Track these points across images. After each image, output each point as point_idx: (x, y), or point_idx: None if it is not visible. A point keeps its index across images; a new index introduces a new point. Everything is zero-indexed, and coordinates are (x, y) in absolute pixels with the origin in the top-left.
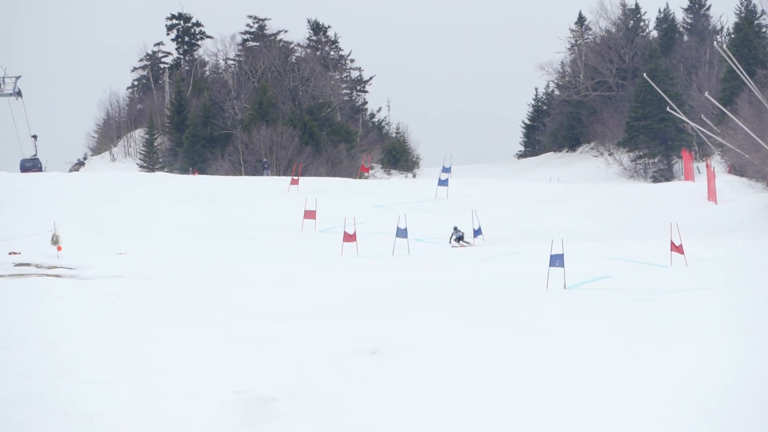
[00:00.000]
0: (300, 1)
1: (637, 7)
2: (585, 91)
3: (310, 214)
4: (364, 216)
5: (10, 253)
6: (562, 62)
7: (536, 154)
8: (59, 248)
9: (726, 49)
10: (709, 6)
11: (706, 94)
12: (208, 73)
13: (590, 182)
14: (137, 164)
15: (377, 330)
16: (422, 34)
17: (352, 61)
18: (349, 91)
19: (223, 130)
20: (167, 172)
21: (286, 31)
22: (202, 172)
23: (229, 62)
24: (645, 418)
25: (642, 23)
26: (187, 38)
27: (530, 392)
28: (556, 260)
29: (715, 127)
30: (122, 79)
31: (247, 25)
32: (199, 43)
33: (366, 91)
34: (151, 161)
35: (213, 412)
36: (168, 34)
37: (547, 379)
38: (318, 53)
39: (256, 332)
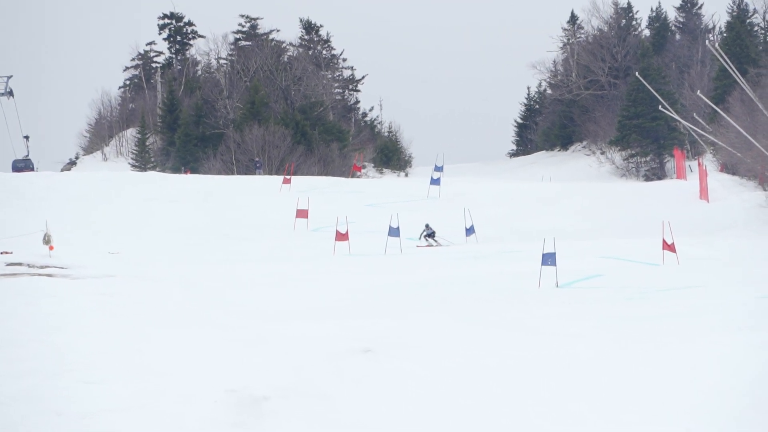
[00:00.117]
0: (292, 1)
1: (630, 6)
2: (577, 90)
3: (302, 214)
4: (356, 215)
5: (1, 253)
6: (554, 61)
7: (528, 153)
8: (51, 248)
9: (718, 47)
10: (702, 5)
11: (699, 92)
12: (200, 72)
13: (582, 181)
14: (129, 164)
15: (371, 329)
16: (415, 34)
17: (344, 60)
18: (341, 91)
19: (215, 130)
20: (159, 171)
21: (278, 31)
22: (194, 171)
23: (221, 61)
24: (639, 416)
25: (634, 22)
26: (179, 38)
27: (524, 391)
28: (548, 259)
29: (707, 126)
30: (114, 78)
31: (239, 24)
32: (191, 42)
33: (358, 90)
34: (143, 161)
35: (206, 412)
36: (160, 34)
37: (540, 377)
38: (310, 52)
39: (248, 332)
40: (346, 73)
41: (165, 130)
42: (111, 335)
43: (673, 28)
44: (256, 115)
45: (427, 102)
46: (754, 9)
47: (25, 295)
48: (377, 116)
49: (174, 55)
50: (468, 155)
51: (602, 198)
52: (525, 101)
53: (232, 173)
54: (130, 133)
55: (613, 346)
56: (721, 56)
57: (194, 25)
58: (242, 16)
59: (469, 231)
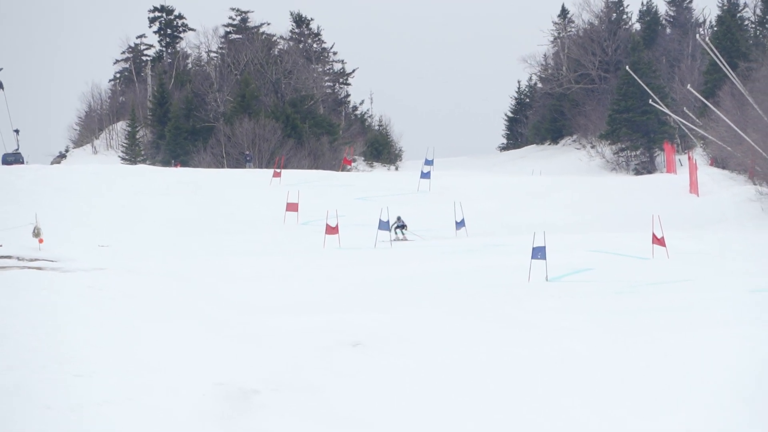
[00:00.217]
0: None
1: (620, 0)
2: (568, 84)
3: (292, 207)
4: (346, 208)
5: None
6: (545, 55)
7: (519, 147)
8: (41, 241)
9: (708, 41)
10: None
11: (689, 86)
12: (190, 65)
13: (572, 175)
14: (119, 157)
15: (361, 323)
16: (406, 25)
17: (334, 53)
18: (331, 84)
19: (205, 123)
20: (149, 164)
21: (268, 24)
22: (184, 164)
23: (212, 55)
24: (630, 411)
25: (625, 16)
26: (169, 31)
27: (516, 385)
28: (538, 253)
29: (698, 120)
30: (104, 71)
31: (230, 17)
32: (182, 35)
33: (348, 84)
34: (133, 154)
35: (195, 405)
36: (150, 27)
37: (531, 371)
38: (301, 46)
39: (238, 325)
40: (337, 66)
41: (155, 123)
42: (100, 328)
43: (663, 22)
44: (246, 108)
45: (418, 95)
46: (745, 3)
47: (14, 287)
48: (367, 110)
49: (164, 48)
50: (458, 149)
51: (592, 192)
52: (515, 95)
53: (222, 166)
54: (120, 126)
55: (604, 339)
56: (712, 50)
57: (184, 18)
58: (233, 9)
59: (460, 225)
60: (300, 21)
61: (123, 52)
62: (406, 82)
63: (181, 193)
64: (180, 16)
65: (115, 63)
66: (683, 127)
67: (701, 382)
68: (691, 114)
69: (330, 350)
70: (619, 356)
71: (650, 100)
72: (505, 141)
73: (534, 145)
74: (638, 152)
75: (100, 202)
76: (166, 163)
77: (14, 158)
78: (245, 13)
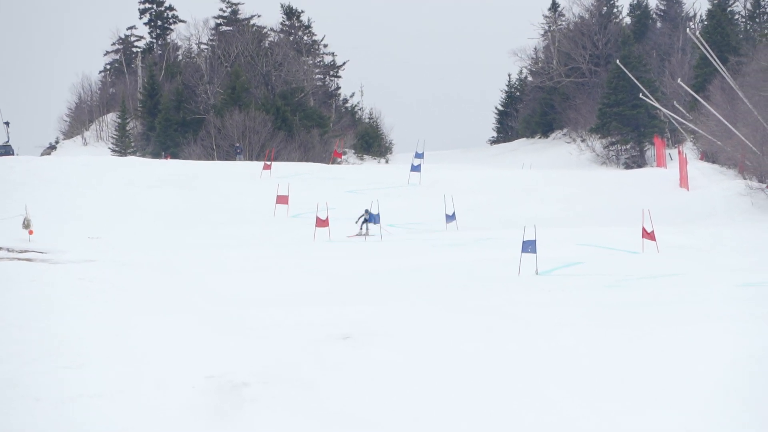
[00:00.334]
0: None
1: None
2: (558, 78)
3: (282, 200)
4: (336, 201)
5: None
6: (535, 48)
7: (509, 141)
8: (31, 232)
9: (699, 36)
10: None
11: (679, 80)
12: (180, 57)
13: (563, 168)
14: (109, 148)
15: (351, 316)
16: (397, 15)
17: (325, 46)
18: (322, 77)
19: (195, 115)
20: (139, 156)
21: (259, 16)
22: (174, 156)
23: (202, 47)
24: (620, 405)
25: (615, 10)
26: (159, 22)
27: (504, 378)
28: (528, 246)
29: (688, 114)
30: (94, 62)
31: (220, 9)
32: (172, 27)
33: (339, 77)
34: (123, 145)
35: (186, 398)
36: (141, 18)
37: (520, 364)
38: (291, 38)
39: (229, 318)
40: (327, 59)
41: (145, 115)
42: (91, 320)
43: (654, 16)
44: (236, 100)
45: (409, 85)
46: None
47: (4, 279)
48: (358, 102)
49: (155, 40)
50: (449, 142)
51: (583, 186)
52: (506, 88)
53: (213, 159)
54: (111, 118)
55: (594, 333)
56: (702, 44)
57: (175, 9)
58: (223, 1)
59: (450, 218)
60: (290, 13)
61: (113, 44)
62: (397, 72)
63: (172, 185)
64: (170, 8)
65: (105, 54)
66: (673, 122)
67: (692, 377)
68: (681, 108)
69: (320, 343)
70: (608, 350)
71: (640, 94)
72: (495, 134)
73: (524, 139)
74: (628, 146)
75: (91, 194)
76: (156, 155)
77: (4, 150)
78: (236, 5)
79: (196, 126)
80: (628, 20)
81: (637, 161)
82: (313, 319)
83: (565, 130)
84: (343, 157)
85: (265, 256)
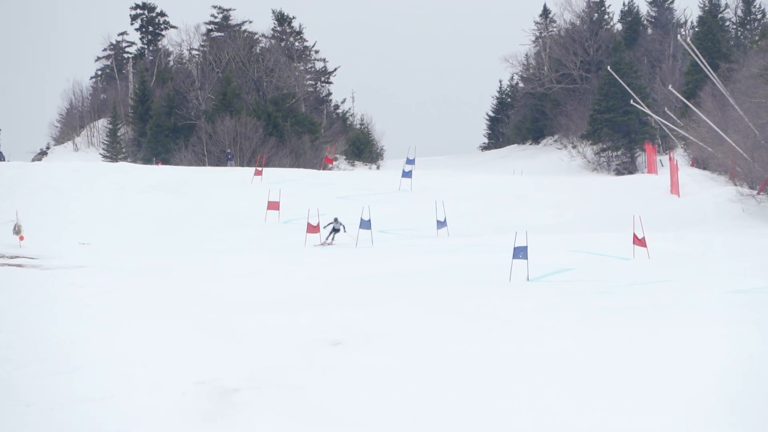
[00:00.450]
0: None
1: (602, 0)
2: (549, 84)
3: (273, 205)
4: (327, 207)
5: None
6: (526, 54)
7: (500, 147)
8: (21, 238)
9: (690, 42)
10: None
11: (670, 87)
12: (172, 63)
13: (554, 175)
14: (100, 154)
15: (341, 321)
16: (388, 20)
17: (316, 52)
18: (313, 83)
19: (186, 121)
20: (131, 162)
21: (250, 22)
22: (165, 162)
23: (194, 52)
24: (611, 410)
25: (606, 16)
26: (151, 28)
27: (495, 382)
28: (520, 252)
29: (679, 120)
30: (85, 68)
31: (212, 15)
32: (164, 33)
33: (330, 83)
34: (114, 151)
35: (176, 403)
36: (132, 24)
37: (512, 368)
38: (282, 44)
39: (220, 323)
40: (319, 65)
41: (136, 120)
42: (81, 326)
43: (645, 22)
44: (227, 106)
45: (401, 89)
46: (726, 4)
47: None
48: (349, 108)
49: (146, 46)
50: (440, 148)
51: (574, 192)
52: (497, 94)
53: (204, 164)
54: (102, 124)
55: (584, 338)
56: (693, 51)
57: (166, 15)
58: (215, 7)
59: (441, 224)
60: (282, 19)
61: (104, 50)
62: (389, 76)
63: (163, 190)
64: (162, 14)
65: (96, 60)
66: (664, 128)
67: (683, 382)
68: (672, 114)
69: (311, 348)
70: (601, 355)
71: (631, 101)
72: (486, 140)
73: (515, 145)
74: (619, 152)
75: (82, 200)
76: (147, 161)
77: None
78: (227, 11)
79: (188, 132)
80: (619, 26)
81: (628, 167)
82: (303, 324)
83: (556, 137)
84: (334, 163)
85: (257, 261)
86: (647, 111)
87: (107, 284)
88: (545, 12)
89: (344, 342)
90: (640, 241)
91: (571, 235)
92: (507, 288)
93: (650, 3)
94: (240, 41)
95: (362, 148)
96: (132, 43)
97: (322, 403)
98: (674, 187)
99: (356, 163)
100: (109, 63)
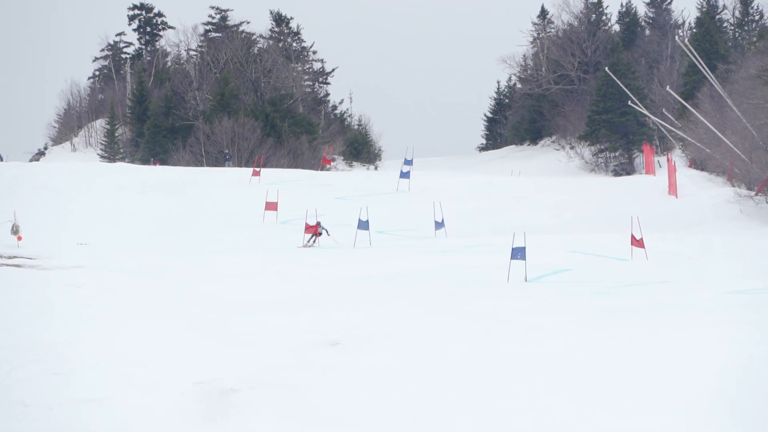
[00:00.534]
0: None
1: (600, 1)
2: (547, 85)
3: (271, 206)
4: (325, 208)
5: None
6: (524, 56)
7: (498, 147)
8: (19, 238)
9: (687, 43)
10: (671, 0)
11: (668, 88)
12: (169, 63)
13: (552, 176)
14: (98, 154)
15: (340, 321)
16: (386, 20)
17: (314, 52)
18: (311, 83)
19: (184, 121)
20: (128, 162)
21: (248, 23)
22: (163, 162)
23: (191, 53)
24: (609, 411)
25: (604, 17)
26: (148, 29)
27: (493, 382)
28: (518, 253)
29: (676, 122)
30: (83, 68)
31: (210, 15)
32: (161, 33)
33: (328, 83)
34: (112, 151)
35: (174, 404)
36: (130, 24)
37: (509, 369)
38: (280, 45)
39: (218, 323)
40: (316, 65)
41: (134, 121)
42: (79, 326)
43: (642, 23)
44: (225, 107)
45: (399, 89)
46: (724, 5)
47: None
48: (347, 109)
49: (144, 46)
50: (438, 149)
51: (572, 193)
52: (495, 95)
53: (202, 165)
54: (99, 124)
55: (582, 339)
56: (691, 52)
57: (164, 16)
58: (212, 7)
59: (439, 225)
60: (280, 20)
61: (102, 50)
62: (387, 76)
63: (160, 191)
64: (159, 14)
65: (94, 61)
66: (662, 129)
67: (681, 383)
68: (670, 115)
69: (308, 348)
70: (599, 355)
71: (629, 102)
72: (484, 141)
73: (513, 146)
74: (617, 153)
75: (80, 200)
76: (145, 162)
77: None
78: (225, 11)
79: (185, 132)
80: (616, 27)
81: (625, 168)
82: (303, 325)
83: (554, 138)
84: (332, 163)
85: (255, 261)
86: (645, 112)
87: (105, 285)
88: (543, 13)
89: (343, 342)
90: (638, 242)
91: (570, 236)
92: (505, 288)
93: (648, 4)
94: (238, 42)
95: (360, 148)
96: (130, 44)
97: (321, 403)
98: (672, 188)
99: (354, 163)
100: (106, 63)
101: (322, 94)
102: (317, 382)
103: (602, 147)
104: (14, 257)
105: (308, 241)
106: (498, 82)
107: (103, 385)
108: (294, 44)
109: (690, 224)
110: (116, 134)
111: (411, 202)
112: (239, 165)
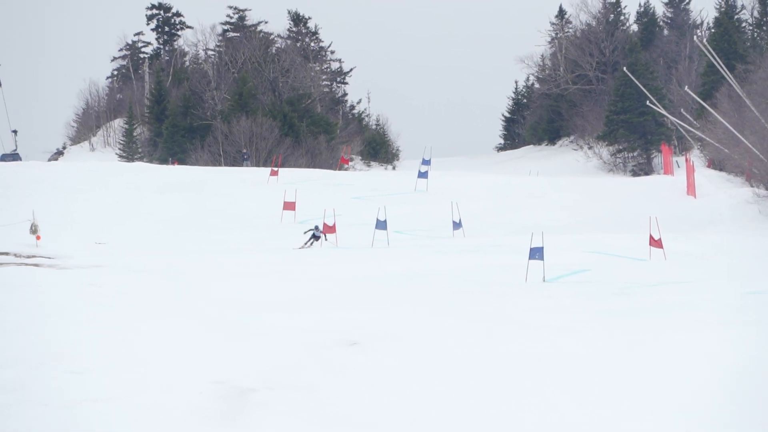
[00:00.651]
0: None
1: (618, 1)
2: (565, 85)
3: (289, 206)
4: (343, 208)
5: None
6: (542, 55)
7: (516, 148)
8: (38, 237)
9: (706, 43)
10: (690, 1)
11: (686, 88)
12: (188, 63)
13: (570, 176)
14: (116, 154)
15: (357, 321)
16: (403, 21)
17: (332, 52)
18: (329, 83)
19: (202, 121)
20: (146, 162)
21: (266, 22)
22: (181, 162)
23: (209, 53)
24: (620, 412)
25: (622, 17)
26: (167, 28)
27: (508, 383)
28: (536, 253)
29: (695, 122)
30: (102, 68)
31: (228, 15)
32: (179, 33)
33: (346, 83)
34: (130, 151)
35: (192, 403)
36: (148, 24)
37: (524, 370)
38: (298, 44)
39: (235, 323)
40: (334, 65)
41: (152, 120)
42: (97, 325)
43: (661, 23)
44: (243, 106)
45: (417, 89)
46: (742, 5)
47: (11, 284)
48: (365, 109)
49: (162, 46)
50: (455, 149)
51: (590, 193)
52: (513, 95)
53: (220, 164)
54: (118, 124)
55: (599, 339)
56: (709, 52)
57: (182, 15)
58: (230, 7)
59: (456, 225)
60: (297, 19)
61: (120, 50)
62: (405, 77)
63: (178, 191)
64: (178, 14)
65: (112, 60)
66: (680, 129)
67: (694, 383)
68: (688, 116)
69: (326, 348)
70: (612, 356)
71: (647, 102)
72: (502, 141)
73: (531, 146)
74: (635, 153)
75: (98, 200)
76: (163, 161)
77: (12, 158)
78: (243, 11)
79: (203, 132)
80: (635, 27)
81: (644, 168)
82: (319, 324)
83: (572, 138)
84: (350, 163)
85: (272, 261)
86: (663, 112)
87: (123, 284)
88: (561, 13)
89: (359, 342)
90: (656, 242)
91: (588, 236)
92: (523, 289)
93: (666, 4)
94: (256, 41)
95: (378, 148)
96: (148, 44)
97: (337, 403)
98: (690, 189)
99: (372, 163)
100: (125, 63)
101: (339, 94)
102: (335, 383)
103: (620, 147)
104: (33, 256)
105: (305, 244)
106: (516, 82)
107: (121, 384)
108: (312, 44)
109: (708, 224)
110: (134, 134)
111: (429, 202)
112: (257, 165)
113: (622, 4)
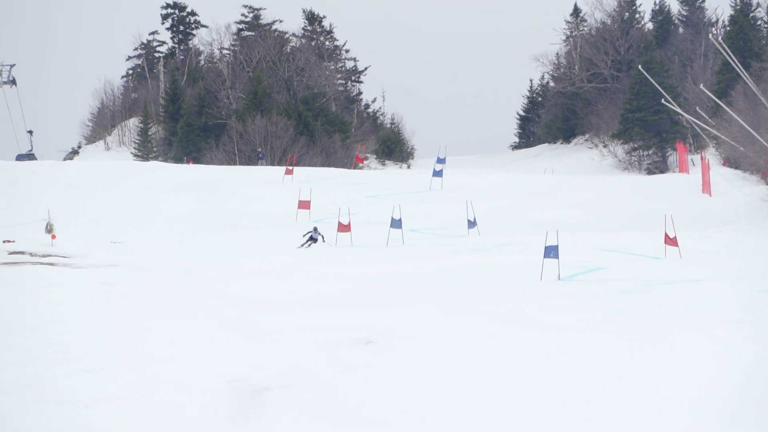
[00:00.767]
0: None
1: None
2: (580, 83)
3: (304, 204)
4: (358, 206)
5: (4, 241)
6: (557, 54)
7: (531, 146)
8: (53, 237)
9: (721, 41)
10: None
11: (701, 86)
12: (202, 62)
13: (585, 174)
14: (131, 153)
15: (371, 320)
16: (419, 18)
17: (347, 51)
18: (343, 82)
19: (217, 120)
20: (161, 161)
21: (281, 21)
22: (196, 161)
23: (224, 52)
24: (633, 411)
25: (637, 15)
26: (182, 27)
27: (521, 381)
28: (551, 251)
29: (710, 120)
30: (117, 67)
31: (242, 14)
32: (194, 32)
33: (361, 82)
34: (145, 150)
35: (206, 401)
36: (163, 23)
37: (537, 368)
38: (313, 43)
39: (249, 322)
40: (349, 64)
41: (167, 119)
42: (112, 324)
43: (676, 21)
44: (258, 105)
45: (431, 88)
46: (758, 3)
47: (27, 283)
48: (380, 107)
49: (177, 45)
50: (470, 147)
51: (605, 191)
52: (528, 93)
53: (235, 163)
54: (133, 123)
55: (613, 338)
56: (724, 50)
57: (197, 14)
58: (245, 6)
59: (471, 224)
60: (312, 18)
61: (135, 49)
62: (420, 74)
63: (193, 190)
64: (192, 13)
65: (127, 59)
66: (696, 127)
67: (708, 383)
68: (703, 114)
69: (340, 347)
70: (626, 355)
71: (663, 100)
72: (517, 140)
73: (546, 144)
74: (650, 152)
75: (113, 199)
76: (178, 160)
77: (28, 158)
78: (257, 10)
79: (218, 131)
80: (650, 26)
81: (659, 167)
82: (334, 323)
83: (587, 136)
84: (364, 162)
85: (287, 260)
86: (678, 110)
87: (138, 283)
88: (576, 11)
89: (374, 341)
90: (671, 241)
91: (603, 234)
92: (538, 287)
93: (681, 2)
94: (270, 40)
95: (393, 147)
96: (163, 43)
97: (352, 402)
98: (706, 187)
99: (387, 162)
100: (140, 62)
101: (354, 93)
102: (350, 381)
103: (635, 145)
104: (48, 255)
105: (303, 245)
106: (531, 81)
107: (137, 383)
108: (326, 43)
109: (723, 222)
110: (149, 133)
111: (444, 201)
112: (272, 163)
113: (637, 3)
